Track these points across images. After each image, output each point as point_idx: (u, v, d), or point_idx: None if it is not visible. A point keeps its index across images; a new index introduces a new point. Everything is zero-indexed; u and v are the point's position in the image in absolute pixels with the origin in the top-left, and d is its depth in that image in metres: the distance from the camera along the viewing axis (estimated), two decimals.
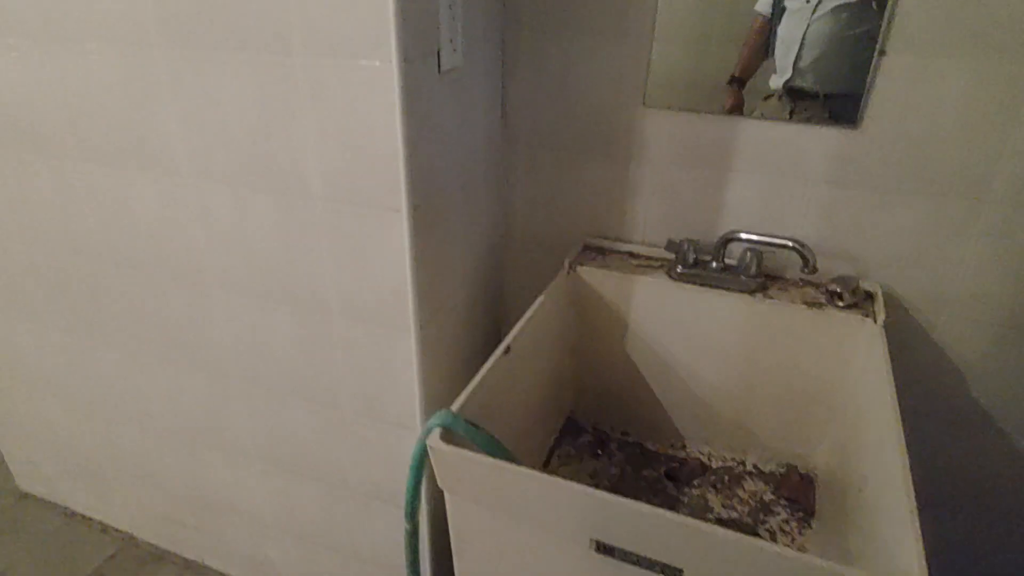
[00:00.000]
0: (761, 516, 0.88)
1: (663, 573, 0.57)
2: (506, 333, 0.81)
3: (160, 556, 1.33)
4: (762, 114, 0.84)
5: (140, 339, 1.06)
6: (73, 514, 1.43)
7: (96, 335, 1.10)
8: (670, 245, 0.93)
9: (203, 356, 1.02)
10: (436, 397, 0.90)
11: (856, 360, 0.85)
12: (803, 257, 0.83)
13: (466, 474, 0.62)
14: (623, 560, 0.59)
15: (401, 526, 1.01)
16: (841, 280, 0.87)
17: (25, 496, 1.48)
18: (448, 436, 0.63)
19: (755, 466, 0.96)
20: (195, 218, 0.88)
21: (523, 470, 0.58)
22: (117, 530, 1.38)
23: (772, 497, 0.91)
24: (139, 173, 0.88)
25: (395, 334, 0.84)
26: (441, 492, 0.67)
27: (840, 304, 0.86)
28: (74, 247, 1.02)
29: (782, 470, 0.95)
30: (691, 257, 0.91)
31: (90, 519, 1.41)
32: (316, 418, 0.98)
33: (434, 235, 0.81)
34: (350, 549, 1.10)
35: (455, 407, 0.66)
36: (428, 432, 0.62)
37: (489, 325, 1.07)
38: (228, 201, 0.84)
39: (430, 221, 0.79)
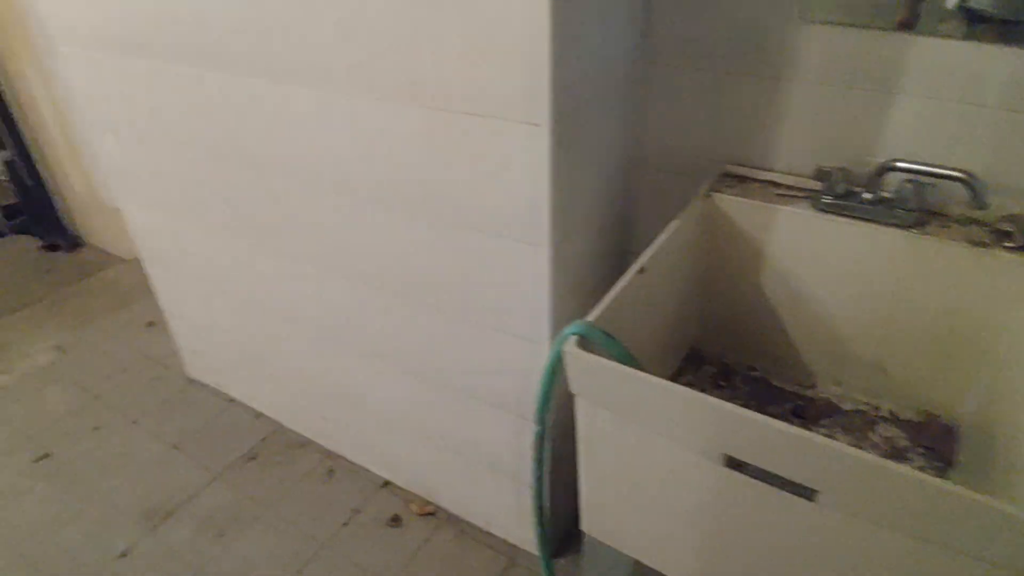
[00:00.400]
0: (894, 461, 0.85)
1: (796, 493, 0.58)
2: (632, 258, 0.81)
3: (304, 443, 1.49)
4: (935, 34, 0.76)
5: (293, 244, 1.15)
6: (232, 400, 1.62)
7: (255, 240, 1.21)
8: (819, 173, 0.88)
9: (346, 262, 1.09)
10: (565, 314, 0.93)
11: (1021, 308, 0.78)
12: (972, 190, 0.76)
13: (599, 380, 0.65)
14: (754, 477, 0.59)
15: (522, 435, 1.07)
16: (1013, 219, 0.79)
17: (192, 382, 1.69)
18: (584, 344, 0.66)
19: (891, 412, 0.92)
20: (345, 129, 0.94)
21: (658, 380, 0.60)
22: (268, 417, 1.56)
23: (907, 444, 0.87)
24: (297, 85, 0.94)
25: (530, 250, 0.86)
26: (566, 403, 0.70)
27: (1009, 245, 0.79)
28: (238, 157, 1.11)
29: (921, 418, 0.91)
30: (841, 187, 0.86)
31: (246, 406, 1.60)
32: (447, 328, 1.04)
33: (572, 151, 0.82)
34: (473, 453, 1.18)
35: (590, 318, 0.68)
36: (565, 339, 0.65)
37: (616, 248, 1.07)
38: (375, 112, 0.88)
39: (569, 137, 0.80)
